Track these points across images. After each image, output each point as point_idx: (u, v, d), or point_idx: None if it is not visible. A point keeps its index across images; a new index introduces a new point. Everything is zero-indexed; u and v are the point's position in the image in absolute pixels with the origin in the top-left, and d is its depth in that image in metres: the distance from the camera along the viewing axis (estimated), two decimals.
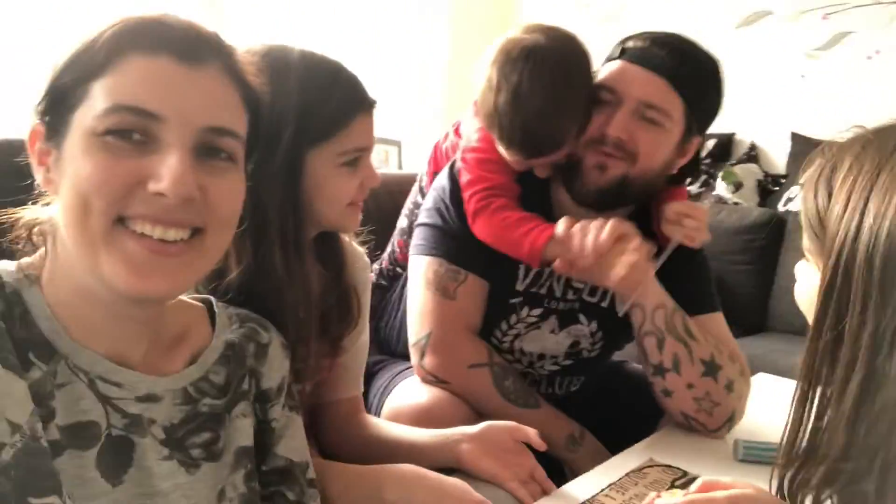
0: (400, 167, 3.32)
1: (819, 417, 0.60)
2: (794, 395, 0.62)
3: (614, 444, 1.15)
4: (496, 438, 0.92)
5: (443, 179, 1.17)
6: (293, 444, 0.76)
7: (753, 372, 1.59)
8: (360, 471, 0.84)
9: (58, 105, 0.60)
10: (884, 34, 2.65)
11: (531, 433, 0.92)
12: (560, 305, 1.17)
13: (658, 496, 0.70)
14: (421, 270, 1.14)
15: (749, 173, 2.86)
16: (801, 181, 0.68)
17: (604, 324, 1.18)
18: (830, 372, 0.59)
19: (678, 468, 0.95)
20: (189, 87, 0.59)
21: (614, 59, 1.09)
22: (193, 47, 0.60)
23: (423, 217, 1.18)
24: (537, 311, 1.16)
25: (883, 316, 0.55)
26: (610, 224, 0.99)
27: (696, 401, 1.05)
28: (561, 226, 1.03)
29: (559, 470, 1.07)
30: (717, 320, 1.14)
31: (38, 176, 0.62)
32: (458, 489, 0.80)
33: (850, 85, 2.72)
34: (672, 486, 0.90)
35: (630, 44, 1.07)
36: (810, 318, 0.65)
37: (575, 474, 1.07)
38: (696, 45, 1.10)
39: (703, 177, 2.94)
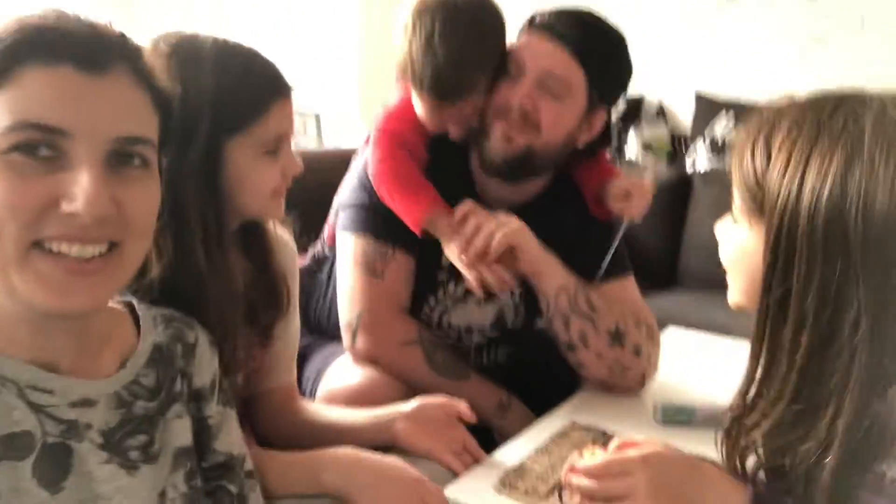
0: (319, 137, 3.28)
1: (768, 371, 0.63)
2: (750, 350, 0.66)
3: (541, 409, 1.23)
4: (429, 415, 0.96)
5: (366, 154, 1.19)
6: (230, 438, 0.77)
7: (664, 326, 1.71)
8: (296, 457, 0.85)
9: None
10: None
11: (462, 407, 0.97)
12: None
13: (580, 455, 0.74)
14: (349, 250, 1.15)
15: (657, 134, 2.98)
16: (734, 143, 0.70)
17: (525, 294, 1.23)
18: (781, 328, 0.62)
19: (598, 429, 1.02)
20: (94, 98, 0.57)
21: (523, 31, 1.13)
22: (96, 53, 0.58)
23: (347, 195, 1.20)
24: (463, 284, 1.19)
25: (828, 272, 0.59)
26: (499, 237, 1.03)
27: (608, 369, 1.12)
28: (459, 211, 1.08)
29: (491, 439, 1.12)
30: (626, 285, 1.20)
31: None
32: (395, 468, 0.84)
33: (751, 37, 2.85)
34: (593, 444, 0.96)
35: (538, 17, 1.11)
36: (735, 276, 0.70)
37: (504, 440, 1.12)
38: (602, 18, 1.13)
39: (614, 141, 3.04)
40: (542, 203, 1.20)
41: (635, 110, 3.06)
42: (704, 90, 2.94)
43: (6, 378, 0.59)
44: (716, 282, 2.87)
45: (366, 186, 1.16)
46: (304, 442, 0.98)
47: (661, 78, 3.04)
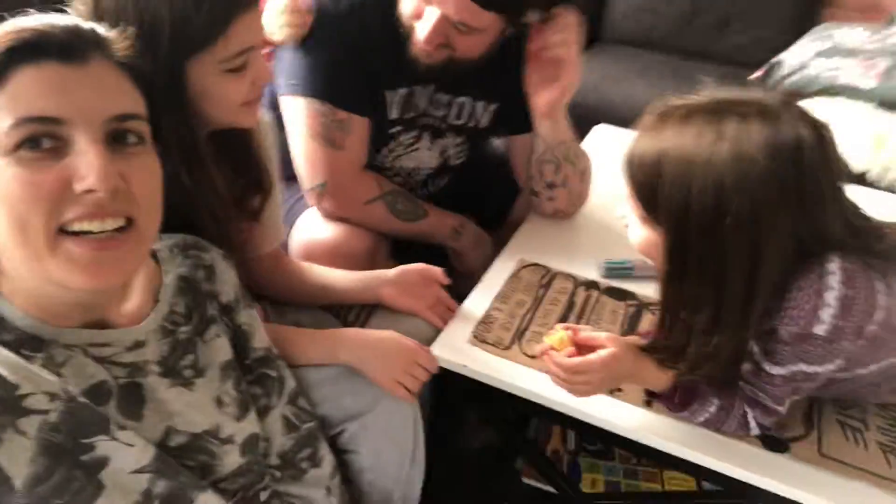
0: None
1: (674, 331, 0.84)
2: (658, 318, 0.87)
3: (485, 222, 1.41)
4: (409, 279, 1.12)
5: None
6: (261, 333, 0.91)
7: (591, 118, 1.84)
8: (316, 335, 1.01)
9: None
10: None
11: (437, 272, 1.13)
12: (430, 121, 1.28)
13: (548, 351, 0.88)
14: (303, 117, 1.16)
15: None
16: (627, 156, 0.82)
17: (468, 138, 1.33)
18: (682, 304, 0.82)
19: (544, 266, 1.22)
20: (82, 85, 0.63)
21: None
22: (75, 47, 0.63)
23: (288, 52, 1.16)
24: (413, 133, 1.27)
25: (721, 265, 0.75)
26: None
27: (569, 201, 1.31)
28: None
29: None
30: None
31: None
32: (392, 340, 1.00)
33: None
34: (539, 287, 1.17)
35: None
36: (643, 254, 0.85)
37: (460, 258, 1.35)
38: None
39: None
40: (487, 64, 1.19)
41: None
42: None
43: (70, 344, 0.69)
44: (636, 39, 3.03)
45: (303, 46, 1.14)
46: (299, 299, 1.15)
47: None
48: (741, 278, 0.75)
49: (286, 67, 1.17)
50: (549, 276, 1.20)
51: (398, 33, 1.12)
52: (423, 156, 1.32)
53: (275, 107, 1.22)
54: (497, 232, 1.44)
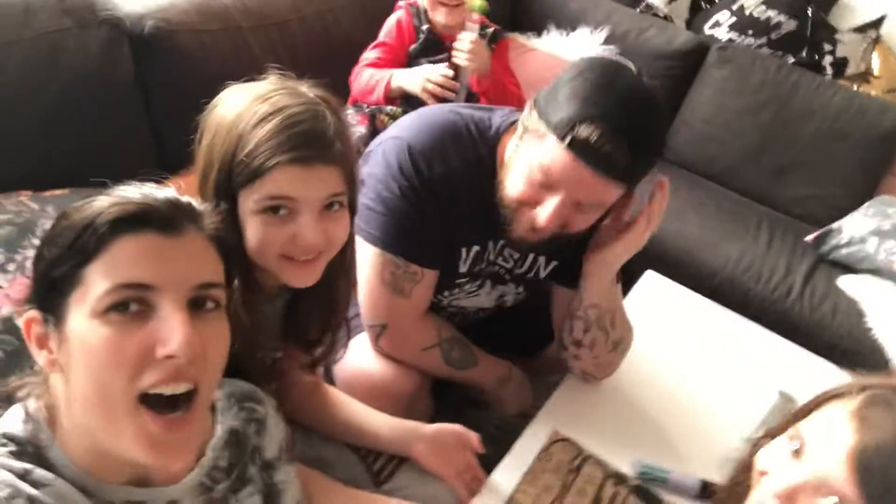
0: None
1: None
2: None
3: (523, 350, 1.40)
4: (444, 440, 1.09)
5: (388, 154, 1.12)
6: (294, 492, 0.89)
7: (641, 260, 1.82)
8: (345, 494, 0.99)
9: (52, 293, 0.64)
10: None
11: (473, 439, 1.10)
12: (495, 269, 1.26)
13: None
14: (375, 264, 1.14)
15: None
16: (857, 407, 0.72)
17: (528, 287, 1.32)
18: None
19: (575, 445, 1.19)
20: (175, 255, 0.66)
21: (561, 137, 0.95)
22: (174, 219, 0.67)
23: (371, 198, 1.13)
24: (477, 282, 1.26)
25: None
26: None
27: (596, 367, 1.26)
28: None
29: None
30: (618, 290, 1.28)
31: (40, 359, 0.67)
32: None
33: None
34: (568, 471, 1.14)
35: (581, 132, 0.92)
36: None
37: (500, 401, 1.33)
38: (649, 117, 0.98)
39: None
40: None
41: None
42: None
43: (108, 501, 0.68)
44: (696, 165, 3.00)
45: (390, 190, 1.11)
46: (328, 431, 1.12)
47: None
48: None
49: (368, 213, 1.14)
50: (580, 459, 1.17)
51: (488, 203, 1.10)
52: (481, 299, 1.31)
53: None
54: (532, 362, 1.43)
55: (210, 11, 1.56)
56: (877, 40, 2.54)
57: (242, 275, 0.83)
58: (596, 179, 0.96)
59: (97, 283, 0.62)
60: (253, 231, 0.84)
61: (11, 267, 1.10)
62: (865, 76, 2.56)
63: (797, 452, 0.75)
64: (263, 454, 0.85)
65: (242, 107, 0.83)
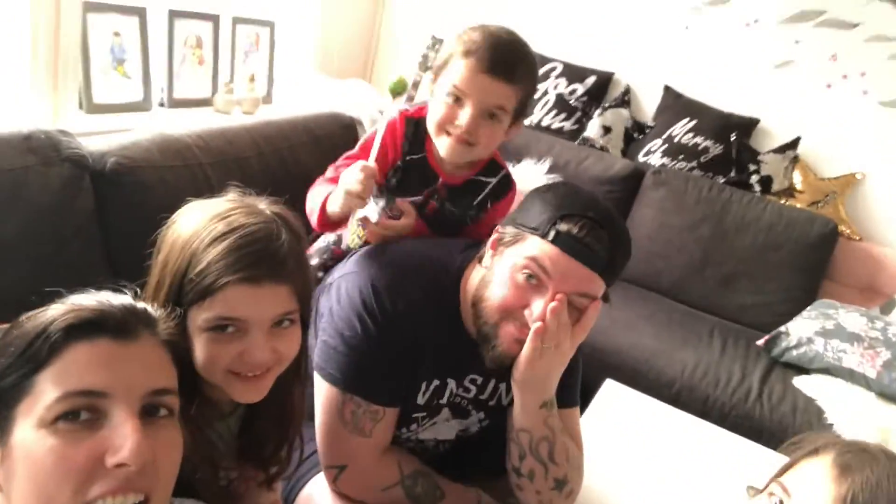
0: (272, 49, 3.06)
1: None
2: None
3: (488, 473, 1.35)
4: None
5: (351, 289, 1.11)
6: None
7: (599, 369, 1.85)
8: None
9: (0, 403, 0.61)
10: (763, 3, 2.76)
11: None
12: (455, 399, 1.22)
13: None
14: (335, 404, 1.09)
15: (619, 118, 2.99)
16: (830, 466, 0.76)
17: (490, 415, 1.26)
18: None
19: None
20: (128, 361, 0.65)
21: (543, 234, 0.99)
22: (129, 325, 0.67)
23: (331, 335, 1.11)
24: (436, 417, 1.21)
25: None
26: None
27: (539, 502, 1.16)
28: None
29: None
30: (574, 415, 1.24)
31: None
32: None
33: (725, 48, 2.85)
34: None
35: (563, 226, 0.98)
36: None
37: None
38: (619, 219, 1.04)
39: (578, 114, 3.03)
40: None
41: (602, 88, 3.04)
42: (674, 85, 2.94)
43: None
44: (645, 281, 3.13)
45: (350, 328, 1.08)
46: None
47: (634, 61, 3.01)
48: None
49: (328, 351, 1.11)
50: None
51: (452, 337, 1.10)
52: (440, 427, 1.26)
53: None
54: (500, 483, 1.38)
55: (170, 149, 1.62)
56: (795, 159, 2.77)
57: (193, 390, 0.83)
58: (582, 271, 0.98)
59: (47, 391, 0.60)
60: (201, 347, 0.83)
61: None
62: (790, 191, 2.77)
63: None
64: None
65: (199, 225, 0.84)
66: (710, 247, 2.62)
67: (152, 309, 0.72)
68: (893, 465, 0.74)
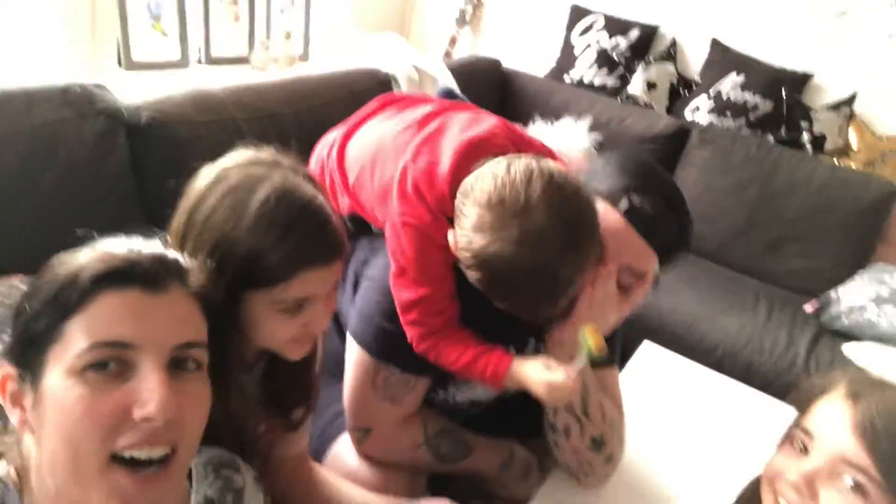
0: (308, 5, 3.02)
1: None
2: None
3: (524, 433, 1.32)
4: None
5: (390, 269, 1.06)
6: None
7: (638, 333, 1.80)
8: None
9: (31, 349, 0.62)
10: None
11: None
12: None
13: None
14: (368, 371, 1.08)
15: (664, 73, 2.88)
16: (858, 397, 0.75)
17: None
18: None
19: None
20: (158, 313, 0.64)
21: (613, 201, 0.96)
22: (159, 276, 0.65)
23: (374, 310, 1.08)
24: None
25: None
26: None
27: (578, 463, 1.15)
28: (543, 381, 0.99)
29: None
30: (614, 376, 1.20)
31: (13, 418, 0.64)
32: None
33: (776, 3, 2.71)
34: None
35: (636, 199, 0.95)
36: None
37: (505, 488, 1.24)
38: (686, 209, 1.01)
39: (620, 70, 2.93)
40: None
41: (646, 42, 2.92)
42: (722, 39, 2.81)
43: None
44: (691, 246, 3.03)
45: (393, 311, 1.04)
46: None
47: (679, 13, 2.89)
48: None
49: (366, 321, 1.08)
50: None
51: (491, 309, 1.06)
52: (477, 390, 1.22)
53: None
54: (538, 443, 1.36)
55: (205, 104, 1.61)
56: (851, 116, 2.64)
57: (221, 343, 0.82)
58: (641, 246, 0.96)
59: (77, 339, 0.60)
60: (268, 327, 0.84)
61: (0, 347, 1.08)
62: (845, 151, 2.64)
63: (804, 450, 0.77)
64: None
65: (254, 204, 0.80)
66: (757, 209, 2.53)
67: (183, 259, 0.71)
68: None
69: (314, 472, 1.08)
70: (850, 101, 2.63)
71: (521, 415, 1.33)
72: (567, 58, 3.04)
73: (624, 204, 0.96)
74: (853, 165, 2.60)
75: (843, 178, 2.46)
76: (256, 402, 0.96)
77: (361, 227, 1.21)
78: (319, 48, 3.10)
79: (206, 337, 0.69)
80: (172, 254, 0.69)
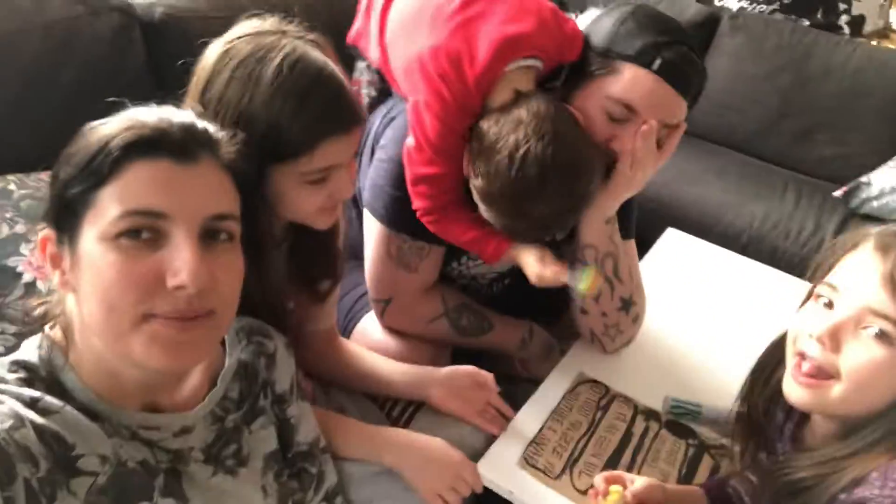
0: None
1: None
2: None
3: (546, 314, 1.36)
4: (459, 382, 1.08)
5: (405, 132, 1.07)
6: (308, 427, 0.89)
7: (662, 224, 1.79)
8: (361, 431, 0.97)
9: (66, 212, 0.64)
10: None
11: (489, 378, 1.09)
12: None
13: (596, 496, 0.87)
14: (382, 240, 1.12)
15: None
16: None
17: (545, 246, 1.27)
18: None
19: (603, 384, 1.17)
20: (189, 184, 0.65)
21: (646, 63, 0.97)
22: (189, 147, 0.66)
23: (383, 178, 1.10)
24: None
25: None
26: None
27: (605, 326, 1.19)
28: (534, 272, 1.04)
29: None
30: (631, 246, 1.22)
31: (55, 278, 0.67)
32: (440, 450, 0.97)
33: None
34: (596, 409, 1.12)
35: (668, 55, 0.96)
36: (863, 388, 0.72)
37: (527, 366, 1.29)
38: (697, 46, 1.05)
39: None
40: None
41: None
42: None
43: (121, 425, 0.68)
44: (717, 136, 2.95)
45: (401, 178, 1.07)
46: (345, 382, 1.12)
47: None
48: None
49: (378, 192, 1.12)
50: (608, 398, 1.14)
51: None
52: (493, 266, 1.25)
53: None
54: (559, 325, 1.39)
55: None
56: None
57: (252, 219, 0.84)
58: (675, 99, 0.99)
59: (110, 207, 0.61)
60: (296, 199, 0.86)
61: (33, 237, 1.13)
62: (885, 32, 2.52)
63: (829, 305, 0.75)
64: (274, 388, 0.85)
65: (270, 72, 0.79)
66: (789, 97, 2.44)
67: (214, 129, 0.70)
68: None
69: (343, 345, 1.14)
70: None
71: (540, 295, 1.36)
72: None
73: (657, 63, 0.97)
74: (894, 48, 2.48)
75: (881, 60, 2.35)
76: (286, 277, 1.00)
77: (384, 88, 1.22)
78: None
79: (239, 210, 0.70)
80: (203, 123, 0.69)
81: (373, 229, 1.14)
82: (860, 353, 0.71)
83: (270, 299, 0.92)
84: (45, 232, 0.66)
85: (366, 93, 1.30)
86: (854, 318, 0.72)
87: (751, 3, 2.61)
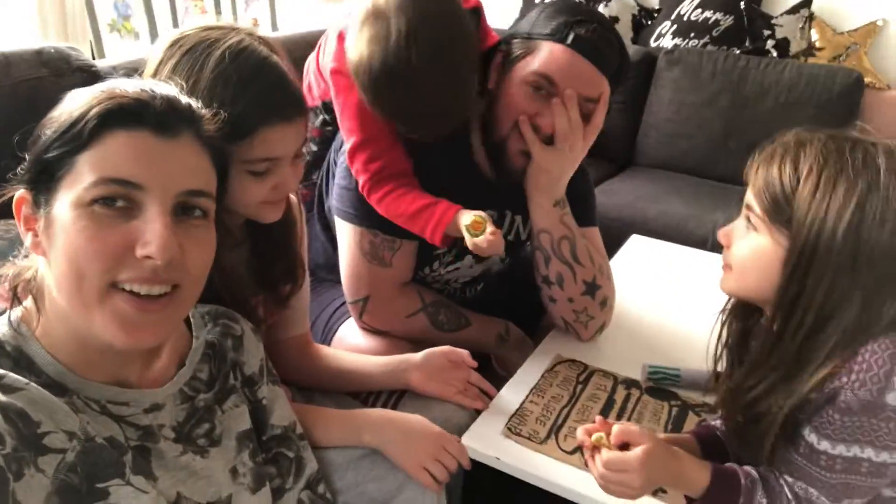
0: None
1: (771, 349, 0.78)
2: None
3: (525, 323, 1.37)
4: (436, 363, 1.08)
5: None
6: (282, 412, 0.88)
7: (625, 231, 1.84)
8: (337, 415, 0.97)
9: (43, 175, 0.64)
10: None
11: (464, 355, 1.09)
12: None
13: (590, 453, 0.85)
14: (354, 239, 1.16)
15: (625, 7, 2.93)
16: (759, 157, 0.81)
17: (512, 251, 1.30)
18: (791, 317, 0.75)
19: (581, 362, 1.18)
20: (166, 157, 0.65)
21: (560, 39, 1.03)
22: (170, 120, 0.66)
23: (345, 179, 1.16)
24: (454, 252, 1.25)
25: (838, 279, 0.71)
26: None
27: (574, 313, 1.20)
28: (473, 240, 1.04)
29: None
30: (594, 234, 1.26)
31: (27, 240, 0.67)
32: (419, 424, 0.96)
33: None
34: (576, 383, 1.12)
35: (580, 30, 1.02)
36: (746, 273, 0.80)
37: (504, 364, 1.30)
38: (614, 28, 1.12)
39: None
40: None
41: None
42: None
43: (90, 398, 0.68)
44: (671, 163, 3.07)
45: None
46: (324, 384, 1.11)
47: None
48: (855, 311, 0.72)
49: (342, 193, 1.17)
50: (587, 373, 1.15)
51: (470, 169, 1.15)
52: (464, 269, 1.29)
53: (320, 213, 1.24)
54: (532, 336, 1.40)
55: None
56: (810, 17, 2.69)
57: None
58: (593, 72, 1.04)
59: (86, 173, 0.62)
60: (237, 188, 0.85)
61: None
62: (809, 51, 2.69)
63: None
64: (243, 369, 0.85)
65: (215, 58, 0.82)
66: (731, 118, 2.57)
67: (198, 106, 0.71)
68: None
69: (318, 350, 1.14)
70: (808, 2, 2.68)
71: (515, 300, 1.39)
72: (528, 3, 3.10)
73: (570, 38, 1.03)
74: (819, 63, 2.64)
75: (810, 74, 2.51)
76: (245, 280, 1.01)
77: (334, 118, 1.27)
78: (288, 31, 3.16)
79: (215, 188, 0.70)
80: (186, 99, 0.70)
81: (345, 232, 1.17)
82: (740, 245, 0.81)
83: (237, 294, 0.92)
84: (21, 193, 0.66)
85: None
86: (742, 217, 0.82)
87: (683, 40, 2.79)
